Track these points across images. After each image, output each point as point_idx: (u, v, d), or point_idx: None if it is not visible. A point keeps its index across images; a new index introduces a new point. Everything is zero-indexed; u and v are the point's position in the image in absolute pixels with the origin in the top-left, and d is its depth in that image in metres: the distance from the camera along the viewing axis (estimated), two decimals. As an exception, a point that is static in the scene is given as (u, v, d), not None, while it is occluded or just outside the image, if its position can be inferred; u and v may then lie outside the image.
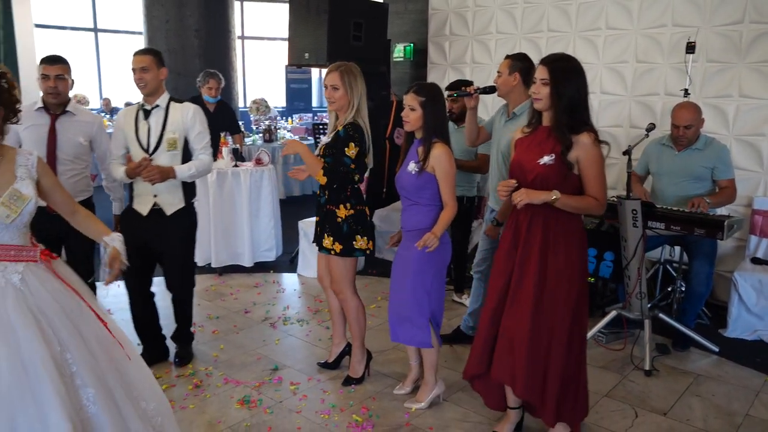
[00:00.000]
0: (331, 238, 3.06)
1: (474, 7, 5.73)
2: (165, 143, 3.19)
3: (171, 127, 3.21)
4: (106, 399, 1.98)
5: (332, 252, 3.08)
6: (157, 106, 3.23)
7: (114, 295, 4.31)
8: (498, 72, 3.32)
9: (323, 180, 2.97)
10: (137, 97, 3.32)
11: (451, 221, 2.82)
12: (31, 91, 12.34)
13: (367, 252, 3.12)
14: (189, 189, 3.34)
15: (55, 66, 3.24)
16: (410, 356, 3.17)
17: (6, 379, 1.81)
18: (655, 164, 3.97)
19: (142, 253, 3.23)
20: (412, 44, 6.60)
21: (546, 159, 2.44)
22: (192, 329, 3.64)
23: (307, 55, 5.64)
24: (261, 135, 8.38)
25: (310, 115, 12.66)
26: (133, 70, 3.22)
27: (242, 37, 12.89)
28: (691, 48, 4.13)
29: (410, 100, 2.78)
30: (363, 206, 3.10)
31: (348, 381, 3.29)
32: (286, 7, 5.82)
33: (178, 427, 2.31)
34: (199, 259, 4.89)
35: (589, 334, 3.73)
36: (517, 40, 5.46)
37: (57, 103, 3.28)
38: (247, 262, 5.16)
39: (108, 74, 12.32)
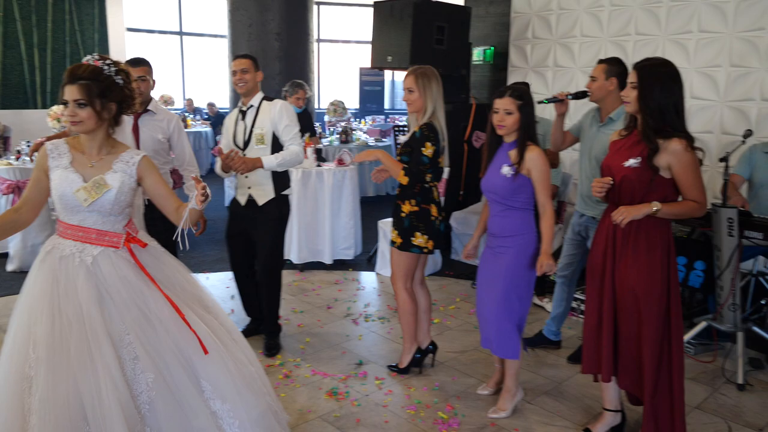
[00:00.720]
0: (396, 231, 3.21)
1: (558, 10, 5.68)
2: (254, 139, 3.40)
3: (259, 123, 3.42)
4: (166, 387, 2.05)
5: (394, 244, 3.20)
6: (251, 106, 3.45)
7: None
8: (592, 77, 3.30)
9: (405, 180, 3.06)
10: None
11: (554, 230, 2.82)
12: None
13: (425, 251, 3.18)
14: (279, 181, 3.51)
15: (137, 68, 3.40)
16: (496, 359, 3.19)
17: (74, 346, 1.96)
18: (760, 172, 3.83)
19: (244, 239, 3.57)
20: (492, 47, 6.59)
21: (632, 162, 2.45)
22: (279, 321, 3.79)
23: (389, 58, 5.74)
24: (338, 136, 8.56)
25: (383, 117, 12.81)
26: (234, 72, 3.42)
27: (318, 40, 13.18)
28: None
29: (507, 103, 2.76)
30: (429, 206, 3.17)
31: (393, 367, 3.44)
32: (360, 10, 5.93)
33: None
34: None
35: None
36: (603, 43, 5.38)
37: (139, 103, 3.46)
38: (327, 260, 5.31)
39: (192, 76, 12.85)
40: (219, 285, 4.90)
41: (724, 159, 3.39)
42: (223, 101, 11.42)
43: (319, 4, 13.45)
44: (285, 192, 3.56)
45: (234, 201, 3.62)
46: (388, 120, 12.57)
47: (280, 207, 3.53)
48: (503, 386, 3.07)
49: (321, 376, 3.40)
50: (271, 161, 3.35)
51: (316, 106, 10.22)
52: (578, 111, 4.47)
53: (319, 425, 2.91)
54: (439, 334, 3.97)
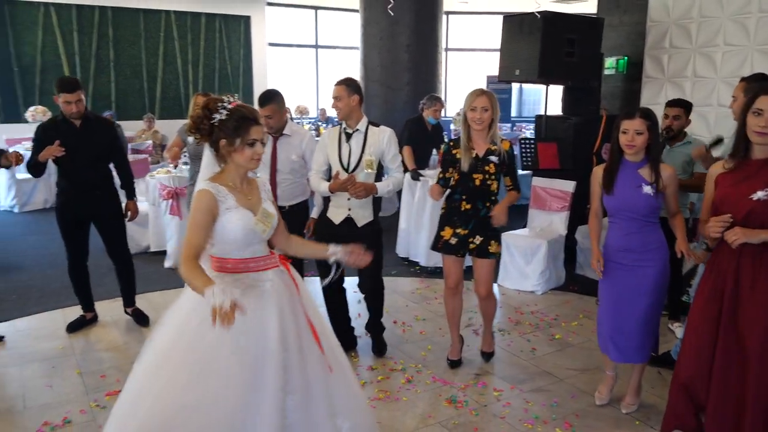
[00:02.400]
0: (496, 243, 3.53)
1: (699, 18, 5.43)
2: (364, 163, 3.54)
3: (369, 149, 3.55)
4: (306, 409, 2.15)
5: (495, 255, 3.54)
6: (357, 130, 3.59)
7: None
8: (733, 96, 3.18)
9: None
10: None
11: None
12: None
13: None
14: (377, 205, 3.70)
15: (264, 108, 3.66)
16: (607, 367, 3.27)
17: (249, 363, 2.07)
18: None
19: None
20: (626, 57, 6.40)
21: (760, 194, 2.34)
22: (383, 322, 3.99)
23: (517, 71, 5.78)
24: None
25: (509, 125, 12.73)
26: (333, 97, 3.59)
27: (447, 49, 13.36)
28: None
29: (638, 125, 2.81)
30: None
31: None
32: (488, 18, 5.98)
33: None
34: (409, 254, 5.82)
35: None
36: (749, 52, 5.07)
37: (275, 131, 3.78)
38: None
39: (326, 86, 13.54)
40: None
41: None
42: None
43: (448, 14, 13.64)
44: (382, 214, 3.75)
45: (323, 217, 3.69)
46: (515, 128, 12.46)
47: (377, 227, 3.70)
48: (631, 385, 3.24)
49: (441, 383, 3.54)
50: (383, 188, 3.54)
51: (443, 116, 10.40)
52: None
53: (438, 430, 3.05)
54: (560, 351, 3.97)
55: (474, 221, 3.49)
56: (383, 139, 3.59)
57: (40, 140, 3.91)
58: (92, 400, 3.28)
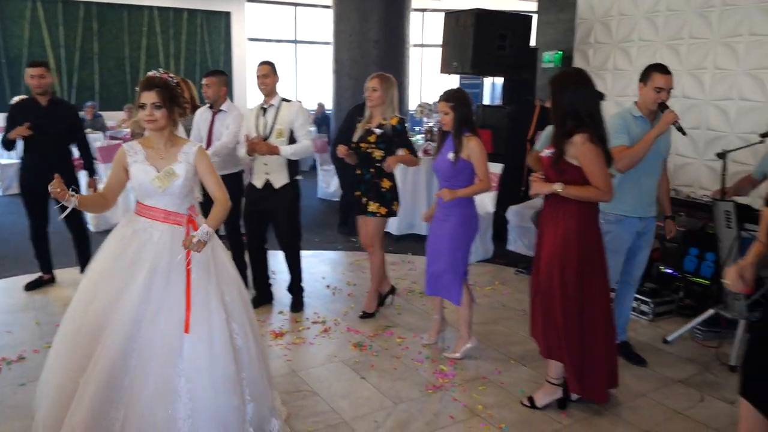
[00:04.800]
0: (377, 204, 4.08)
1: (618, 16, 5.93)
2: (275, 132, 4.12)
3: (280, 120, 4.14)
4: (147, 361, 2.40)
5: (377, 214, 4.10)
6: (272, 105, 4.18)
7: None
8: (668, 89, 3.45)
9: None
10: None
11: (479, 192, 3.55)
12: (238, 93, 14.25)
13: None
14: (292, 169, 4.23)
15: (206, 78, 4.43)
16: (436, 310, 3.89)
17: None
18: None
19: (259, 217, 4.28)
20: (561, 52, 6.90)
21: (547, 152, 2.96)
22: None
23: (455, 64, 6.29)
24: (423, 135, 9.17)
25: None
26: (258, 76, 4.20)
27: (422, 45, 13.85)
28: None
29: (443, 107, 3.49)
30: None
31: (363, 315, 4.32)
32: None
33: None
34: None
35: (684, 329, 3.93)
36: (658, 47, 5.58)
37: (211, 103, 4.48)
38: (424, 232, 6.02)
39: (304, 79, 14.03)
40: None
41: (722, 155, 3.63)
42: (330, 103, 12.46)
43: (423, 11, 14.13)
44: (297, 177, 4.28)
45: (250, 185, 4.29)
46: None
47: (293, 189, 4.25)
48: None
49: (353, 332, 4.06)
50: (287, 150, 4.08)
51: (409, 108, 10.88)
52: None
53: (339, 367, 3.57)
54: (467, 309, 4.49)
55: (363, 184, 4.10)
56: (292, 111, 4.16)
57: (12, 118, 4.50)
58: (45, 342, 3.79)
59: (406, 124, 4.14)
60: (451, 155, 3.52)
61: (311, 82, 14.01)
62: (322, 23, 13.70)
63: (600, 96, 3.96)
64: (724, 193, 3.67)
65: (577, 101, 2.87)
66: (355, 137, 4.08)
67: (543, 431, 2.97)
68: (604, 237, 3.44)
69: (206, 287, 2.54)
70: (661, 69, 3.38)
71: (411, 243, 6.19)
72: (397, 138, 4.05)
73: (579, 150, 2.84)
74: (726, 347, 3.80)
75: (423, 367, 3.59)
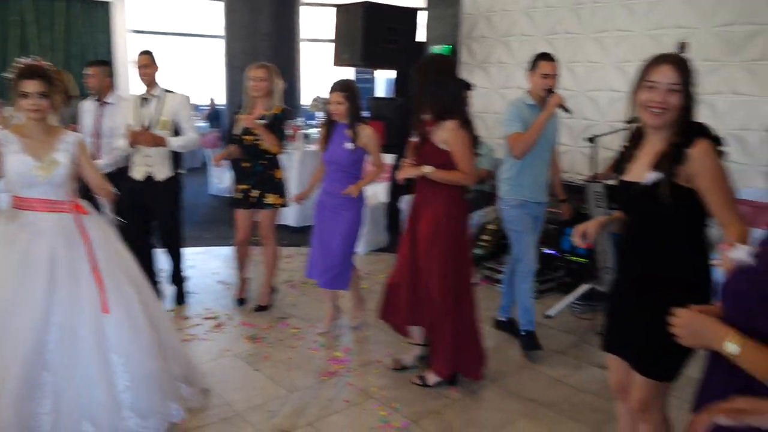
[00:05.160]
0: (276, 195, 4.08)
1: (500, 11, 6.20)
2: (159, 124, 3.96)
3: (165, 112, 3.99)
4: (72, 344, 2.45)
5: (275, 206, 4.11)
6: (154, 96, 4.03)
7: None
8: (552, 74, 3.60)
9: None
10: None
11: (376, 178, 3.66)
12: (122, 88, 13.56)
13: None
14: (175, 162, 4.09)
15: (87, 68, 4.30)
16: (328, 300, 3.94)
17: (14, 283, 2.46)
18: None
19: (139, 211, 4.04)
20: (450, 46, 7.12)
21: (413, 138, 3.06)
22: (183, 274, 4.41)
23: (346, 56, 6.33)
24: (318, 129, 9.16)
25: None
26: (139, 66, 4.05)
27: (315, 40, 13.79)
28: (683, 48, 4.45)
29: (337, 97, 3.51)
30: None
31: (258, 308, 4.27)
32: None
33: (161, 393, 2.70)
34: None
35: (562, 304, 4.19)
36: (537, 41, 5.89)
37: (95, 93, 4.32)
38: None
39: (192, 74, 13.55)
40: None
41: (592, 139, 3.90)
42: (221, 98, 12.14)
43: (313, 5, 14.06)
44: (180, 171, 4.17)
45: (128, 178, 4.03)
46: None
47: (176, 183, 4.13)
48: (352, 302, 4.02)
49: (247, 326, 4.00)
50: (174, 142, 3.93)
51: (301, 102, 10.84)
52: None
53: (232, 361, 3.51)
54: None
55: (253, 177, 4.02)
56: (176, 103, 4.02)
57: None
58: None
59: (288, 116, 4.13)
60: (349, 144, 3.54)
61: (202, 77, 13.57)
62: (208, 15, 13.33)
63: (466, 85, 4.16)
64: (596, 176, 3.93)
65: (442, 88, 2.97)
66: (238, 129, 3.99)
67: (433, 406, 3.07)
68: (509, 221, 3.65)
69: (111, 266, 2.63)
70: (546, 57, 3.60)
71: (307, 235, 6.15)
72: (274, 125, 3.95)
73: (451, 135, 2.96)
74: (600, 319, 4.08)
75: (318, 356, 3.60)
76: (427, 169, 2.98)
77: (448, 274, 3.05)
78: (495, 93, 6.24)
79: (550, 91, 3.54)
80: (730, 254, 1.38)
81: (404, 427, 2.88)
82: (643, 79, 1.96)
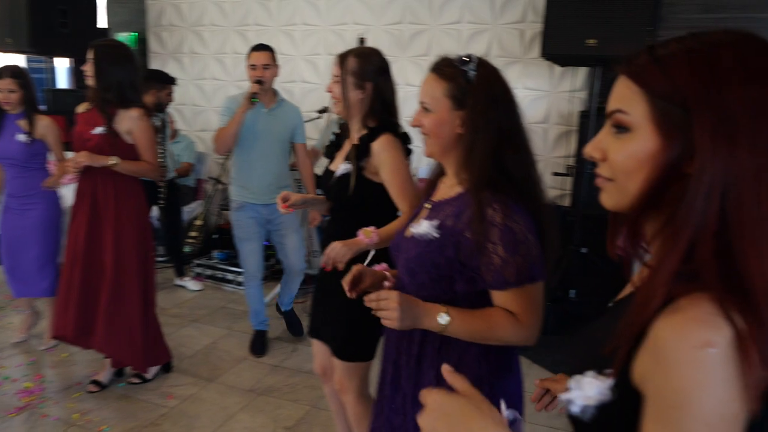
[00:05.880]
0: None
1: (188, 0, 6.00)
2: None
3: None
4: None
5: None
6: None
7: None
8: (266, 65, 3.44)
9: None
10: None
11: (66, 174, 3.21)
12: None
13: None
14: None
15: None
16: (24, 306, 3.59)
17: None
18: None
19: None
20: (135, 33, 6.65)
21: (99, 129, 2.77)
22: None
23: (9, 40, 5.46)
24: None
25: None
26: None
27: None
28: (363, 42, 4.86)
29: (10, 84, 3.15)
30: None
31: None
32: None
33: None
34: None
35: (274, 292, 4.28)
36: (228, 32, 5.85)
37: None
38: None
39: None
40: None
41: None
42: None
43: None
44: None
45: None
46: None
47: None
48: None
49: None
50: None
51: None
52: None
53: None
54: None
55: None
56: None
57: None
58: None
59: None
60: (23, 137, 3.14)
61: None
62: None
63: (169, 79, 4.01)
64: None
65: (120, 76, 2.77)
66: None
67: (149, 419, 2.88)
68: (233, 224, 3.54)
69: None
70: (254, 48, 3.50)
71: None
72: None
73: (136, 125, 2.80)
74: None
75: (2, 390, 3.08)
76: (115, 160, 2.76)
77: (139, 270, 2.94)
78: (191, 84, 6.05)
79: (260, 81, 3.39)
80: (413, 229, 1.44)
81: (116, 449, 2.64)
82: None
